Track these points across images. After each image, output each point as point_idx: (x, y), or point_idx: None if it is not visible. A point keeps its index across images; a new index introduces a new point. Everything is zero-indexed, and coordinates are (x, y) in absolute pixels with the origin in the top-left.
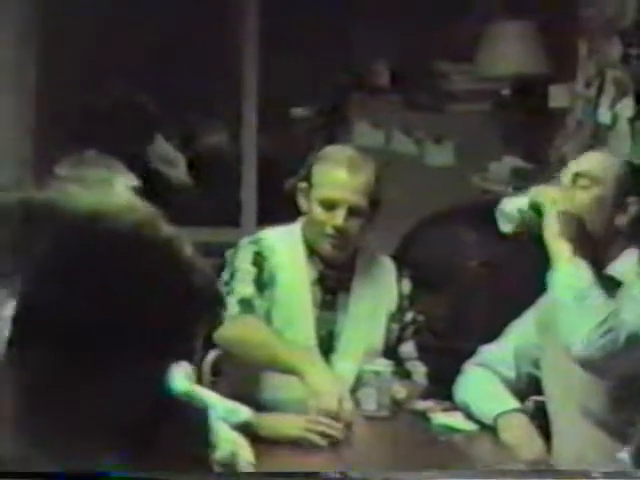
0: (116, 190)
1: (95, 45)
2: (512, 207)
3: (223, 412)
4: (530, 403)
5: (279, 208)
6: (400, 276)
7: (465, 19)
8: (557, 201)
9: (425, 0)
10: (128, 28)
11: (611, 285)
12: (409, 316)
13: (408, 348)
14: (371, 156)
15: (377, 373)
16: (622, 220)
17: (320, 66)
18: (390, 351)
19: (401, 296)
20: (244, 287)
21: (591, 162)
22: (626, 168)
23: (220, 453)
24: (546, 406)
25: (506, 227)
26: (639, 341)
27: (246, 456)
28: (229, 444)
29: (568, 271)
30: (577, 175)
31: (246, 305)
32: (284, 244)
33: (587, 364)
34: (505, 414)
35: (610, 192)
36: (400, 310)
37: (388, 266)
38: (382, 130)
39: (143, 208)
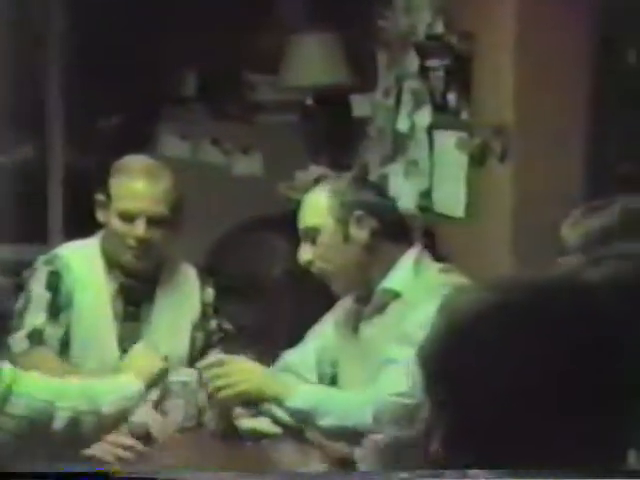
0: None
1: None
2: None
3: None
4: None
5: (87, 223)
6: (203, 284)
7: (271, 30)
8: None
9: (232, 10)
10: None
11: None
12: (213, 324)
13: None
14: (170, 164)
15: (184, 384)
16: (361, 235)
17: (127, 76)
18: (196, 360)
19: (204, 304)
20: (36, 316)
21: (310, 216)
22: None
23: None
24: None
25: None
26: None
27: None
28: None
29: None
30: (306, 231)
31: (36, 337)
32: (81, 259)
33: None
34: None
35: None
36: (204, 318)
37: (191, 275)
38: (189, 141)
39: None
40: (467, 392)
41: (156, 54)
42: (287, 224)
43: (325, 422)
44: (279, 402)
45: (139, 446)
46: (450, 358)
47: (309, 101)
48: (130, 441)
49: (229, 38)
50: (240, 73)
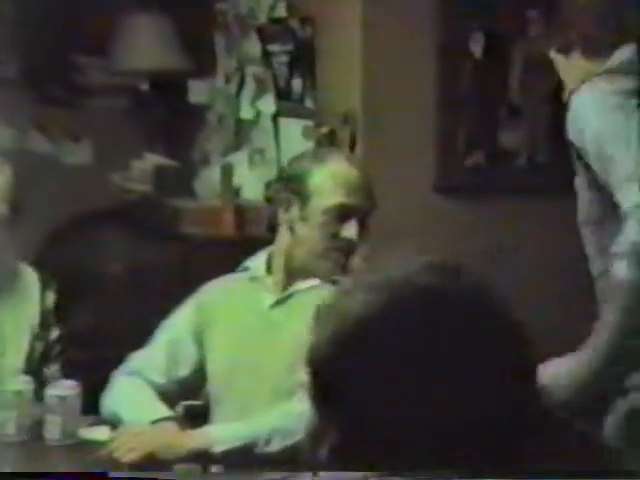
0: None
1: None
2: None
3: None
4: (180, 408)
5: None
6: (43, 288)
7: (99, 10)
8: None
9: None
10: None
11: None
12: (54, 334)
13: (52, 369)
14: (5, 158)
15: (18, 393)
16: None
17: None
18: (34, 371)
19: (44, 311)
20: None
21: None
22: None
23: None
24: (200, 409)
25: None
26: None
27: None
28: None
29: None
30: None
31: None
32: None
33: None
34: (155, 423)
35: None
36: (44, 327)
37: (31, 278)
38: (14, 128)
39: None
40: (356, 398)
41: None
42: (122, 217)
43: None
44: (206, 452)
45: None
46: (338, 365)
47: (144, 86)
48: None
49: (53, 16)
50: (66, 54)
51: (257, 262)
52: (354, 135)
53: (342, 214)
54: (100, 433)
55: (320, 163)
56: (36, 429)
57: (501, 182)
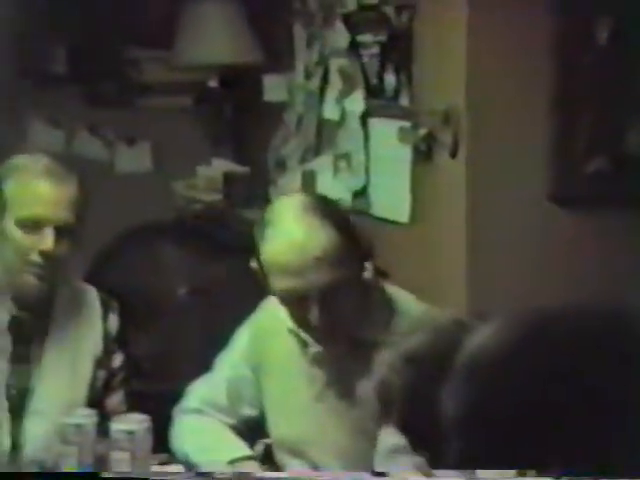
0: None
1: None
2: None
3: None
4: (260, 447)
5: None
6: (106, 311)
7: None
8: None
9: None
10: None
11: None
12: (117, 360)
13: (116, 399)
14: (70, 164)
15: (79, 426)
16: None
17: None
18: (96, 402)
19: (107, 336)
20: None
21: None
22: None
23: None
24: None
25: None
26: None
27: None
28: None
29: None
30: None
31: None
32: None
33: None
34: (234, 463)
35: None
36: (107, 353)
37: (91, 300)
38: (62, 129)
39: None
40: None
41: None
42: (187, 231)
43: None
44: None
45: None
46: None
47: (212, 83)
48: None
49: (106, 4)
50: (120, 47)
51: None
52: (456, 137)
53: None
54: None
55: (262, 236)
56: (99, 466)
57: (628, 191)
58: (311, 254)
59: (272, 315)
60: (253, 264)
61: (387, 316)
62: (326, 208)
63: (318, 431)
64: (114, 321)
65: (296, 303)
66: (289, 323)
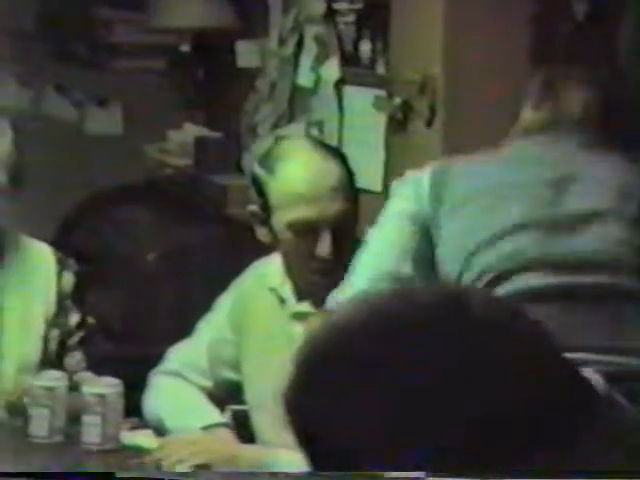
0: None
1: None
2: None
3: None
4: (228, 412)
5: None
6: (61, 269)
7: None
8: None
9: None
10: None
11: None
12: (73, 319)
13: (75, 359)
14: (7, 120)
15: (50, 389)
16: None
17: None
18: (51, 364)
19: (62, 294)
20: None
21: None
22: None
23: None
24: (249, 415)
25: None
26: None
27: None
28: None
29: None
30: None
31: None
32: None
33: None
34: (208, 429)
35: None
36: (61, 312)
37: (45, 256)
38: (29, 88)
39: None
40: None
41: None
42: (157, 195)
43: None
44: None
45: None
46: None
47: (184, 46)
48: None
49: None
50: (90, 7)
51: (272, 268)
52: (433, 107)
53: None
54: (144, 438)
55: (271, 170)
56: (71, 431)
57: None
58: (328, 183)
59: (255, 278)
60: (252, 208)
61: None
62: (329, 147)
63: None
64: (69, 279)
65: (306, 234)
66: (271, 281)
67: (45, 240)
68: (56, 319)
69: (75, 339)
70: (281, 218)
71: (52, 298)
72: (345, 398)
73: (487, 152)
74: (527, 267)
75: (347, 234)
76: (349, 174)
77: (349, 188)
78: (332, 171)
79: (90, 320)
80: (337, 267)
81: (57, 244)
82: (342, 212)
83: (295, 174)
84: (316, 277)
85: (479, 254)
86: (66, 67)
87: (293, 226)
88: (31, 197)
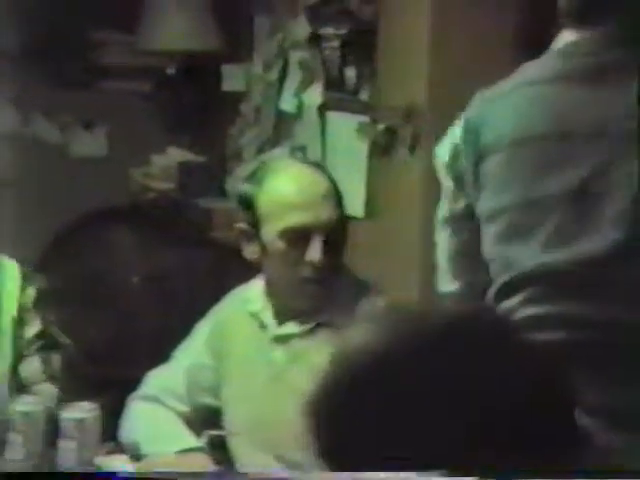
0: None
1: None
2: None
3: None
4: (205, 437)
5: None
6: (24, 283)
7: None
8: None
9: None
10: None
11: None
12: (32, 330)
13: (32, 365)
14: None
15: (26, 414)
16: None
17: None
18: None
19: (22, 307)
20: None
21: None
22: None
23: None
24: (226, 440)
25: None
26: None
27: None
28: None
29: None
30: None
31: None
32: None
33: None
34: (183, 453)
35: None
36: (21, 324)
37: (11, 273)
38: (16, 110)
39: None
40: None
41: None
42: (140, 218)
43: None
44: None
45: None
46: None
47: (171, 69)
48: None
49: None
50: (80, 28)
51: (253, 293)
52: (417, 134)
53: (299, 236)
54: (119, 463)
55: (260, 183)
56: (47, 456)
57: None
58: (319, 190)
59: (235, 304)
60: (239, 225)
61: (354, 298)
62: (313, 162)
63: (276, 412)
64: (29, 293)
65: (297, 241)
66: (252, 306)
67: (27, 260)
68: (17, 331)
69: (32, 348)
70: (273, 228)
71: (13, 312)
72: (369, 417)
73: None
74: None
75: (337, 242)
76: (335, 185)
77: (338, 197)
78: (321, 181)
79: (62, 338)
80: (326, 275)
81: (42, 266)
82: (335, 218)
83: (285, 185)
84: (304, 286)
85: None
86: (54, 89)
87: (287, 233)
88: (17, 219)
